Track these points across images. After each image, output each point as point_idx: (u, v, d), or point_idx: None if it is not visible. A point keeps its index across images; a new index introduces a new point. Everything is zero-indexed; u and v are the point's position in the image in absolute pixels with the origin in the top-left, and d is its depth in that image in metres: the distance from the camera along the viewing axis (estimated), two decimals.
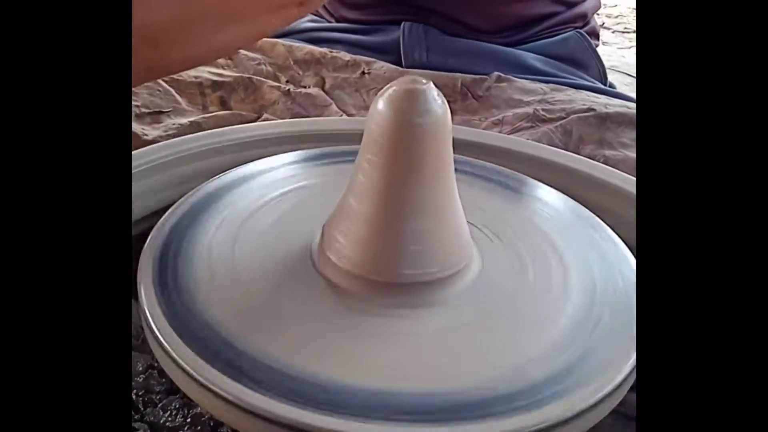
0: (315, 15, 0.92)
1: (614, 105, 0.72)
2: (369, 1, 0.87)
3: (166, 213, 0.46)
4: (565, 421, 0.34)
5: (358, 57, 0.79)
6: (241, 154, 0.56)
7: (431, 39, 0.84)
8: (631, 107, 0.73)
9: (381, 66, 0.79)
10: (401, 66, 0.82)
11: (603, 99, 0.76)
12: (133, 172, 0.50)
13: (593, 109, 0.70)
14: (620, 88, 0.96)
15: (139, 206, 0.50)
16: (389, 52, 0.84)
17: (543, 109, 0.72)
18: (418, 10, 0.84)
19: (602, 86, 0.90)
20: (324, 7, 0.90)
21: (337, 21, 0.89)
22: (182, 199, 0.47)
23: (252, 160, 0.53)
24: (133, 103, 0.67)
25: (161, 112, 0.68)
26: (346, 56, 0.77)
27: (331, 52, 0.78)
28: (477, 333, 0.39)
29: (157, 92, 0.70)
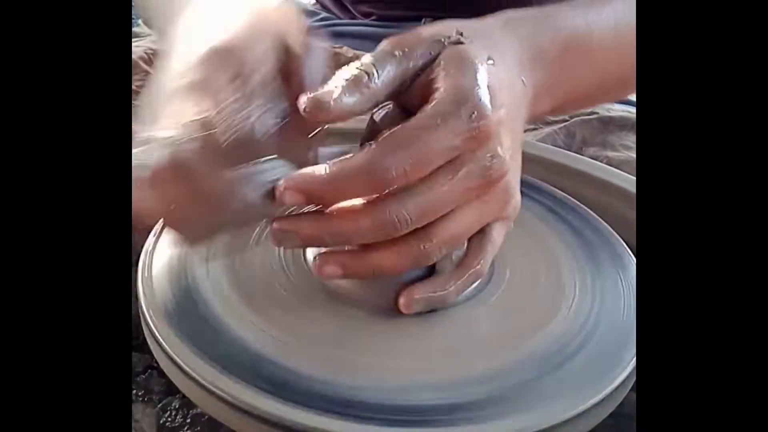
0: (328, 13, 0.90)
1: (617, 110, 0.72)
2: None
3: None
4: (565, 422, 0.34)
5: (360, 53, 0.77)
6: None
7: None
8: (634, 112, 0.72)
9: None
10: None
11: (606, 104, 0.75)
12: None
13: (596, 113, 0.70)
14: None
15: None
16: None
17: None
18: (441, 7, 0.82)
19: None
20: (339, 2, 0.89)
21: (353, 17, 0.88)
22: None
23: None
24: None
25: None
26: (348, 53, 0.76)
27: (333, 47, 0.77)
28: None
29: None
